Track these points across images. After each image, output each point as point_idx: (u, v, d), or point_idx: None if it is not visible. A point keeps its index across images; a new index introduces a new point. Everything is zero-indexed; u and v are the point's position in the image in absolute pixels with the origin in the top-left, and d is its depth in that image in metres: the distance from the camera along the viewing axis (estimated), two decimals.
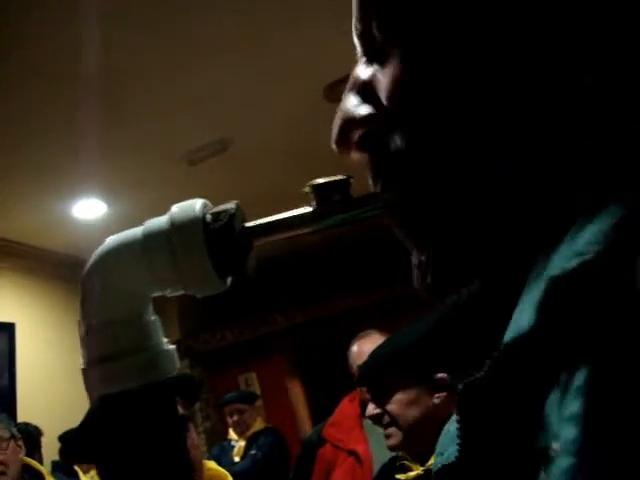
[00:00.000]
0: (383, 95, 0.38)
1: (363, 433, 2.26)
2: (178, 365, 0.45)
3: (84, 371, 0.43)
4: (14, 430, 2.53)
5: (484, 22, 0.34)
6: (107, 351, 0.42)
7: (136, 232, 0.43)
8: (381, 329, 3.97)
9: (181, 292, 0.44)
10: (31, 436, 2.80)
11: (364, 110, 0.40)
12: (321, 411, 2.75)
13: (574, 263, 0.26)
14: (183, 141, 3.35)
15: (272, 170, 3.87)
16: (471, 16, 0.34)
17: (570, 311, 0.26)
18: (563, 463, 0.24)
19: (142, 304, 0.44)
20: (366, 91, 0.41)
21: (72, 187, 3.51)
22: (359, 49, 0.43)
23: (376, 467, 2.14)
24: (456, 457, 0.33)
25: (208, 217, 0.42)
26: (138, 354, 0.42)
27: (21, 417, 3.53)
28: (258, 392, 5.77)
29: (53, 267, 4.34)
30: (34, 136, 2.92)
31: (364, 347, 2.36)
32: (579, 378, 0.25)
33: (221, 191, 3.89)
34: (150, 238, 0.42)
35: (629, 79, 0.31)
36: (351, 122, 0.41)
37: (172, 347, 0.45)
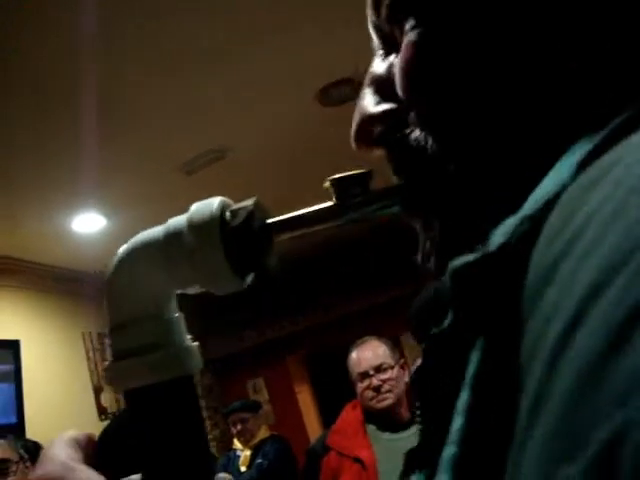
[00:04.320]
0: (397, 89, 0.38)
1: (367, 439, 2.27)
2: (201, 362, 0.46)
3: (109, 365, 0.44)
4: (22, 452, 2.56)
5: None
6: (132, 347, 0.43)
7: (158, 231, 0.44)
8: (390, 330, 3.98)
9: (202, 290, 0.44)
10: (30, 453, 2.82)
11: (381, 106, 0.41)
12: (331, 415, 2.75)
13: (473, 256, 0.26)
14: (180, 151, 3.35)
15: (270, 176, 3.88)
16: None
17: (469, 304, 0.27)
18: (447, 452, 0.26)
19: (164, 302, 0.45)
20: (382, 85, 0.41)
21: (71, 201, 3.52)
22: (375, 42, 0.43)
23: (381, 473, 2.15)
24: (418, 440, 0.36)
25: (227, 215, 0.42)
26: (162, 350, 0.43)
27: (30, 433, 3.54)
28: (267, 397, 5.78)
29: (54, 282, 4.35)
30: (32, 151, 2.93)
31: (362, 354, 2.37)
32: (470, 370, 0.26)
33: None
34: (169, 238, 0.43)
35: (613, 65, 0.32)
36: (369, 119, 0.41)
37: (195, 344, 0.46)
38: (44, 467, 0.42)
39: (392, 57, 0.41)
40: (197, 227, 0.42)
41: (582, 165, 0.25)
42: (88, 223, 3.82)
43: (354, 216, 0.42)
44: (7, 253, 3.91)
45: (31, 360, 3.87)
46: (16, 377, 3.74)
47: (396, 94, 0.39)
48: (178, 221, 0.43)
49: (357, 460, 2.20)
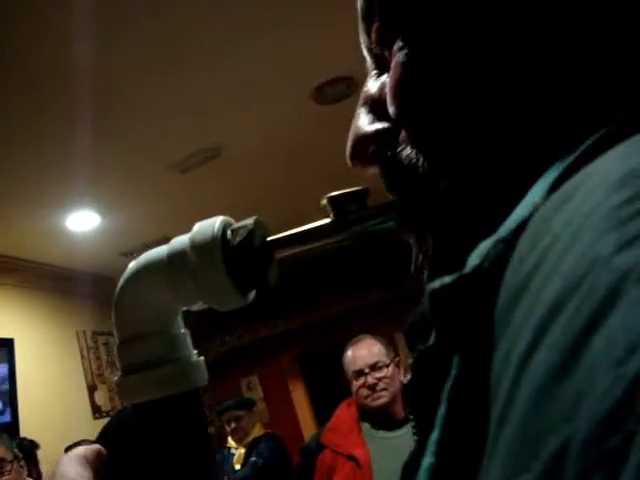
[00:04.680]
0: (388, 104, 0.39)
1: (361, 437, 2.27)
2: (207, 376, 0.47)
3: (119, 379, 0.45)
4: (16, 451, 2.56)
5: (476, 15, 0.35)
6: (139, 362, 0.44)
7: (162, 251, 0.45)
8: (384, 329, 3.98)
9: (206, 306, 0.46)
10: (26, 452, 2.82)
11: (374, 126, 0.42)
12: (324, 412, 2.75)
13: (450, 278, 0.27)
14: (174, 150, 3.35)
15: (264, 174, 3.87)
16: (462, 11, 0.36)
17: (443, 324, 0.29)
18: (425, 463, 0.27)
19: (170, 318, 0.47)
20: (375, 105, 0.43)
21: (64, 200, 3.51)
22: (369, 63, 0.45)
23: (375, 471, 2.15)
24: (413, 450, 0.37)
25: (228, 234, 0.44)
26: (169, 365, 0.44)
27: (24, 431, 3.53)
28: (261, 395, 5.78)
29: (49, 280, 4.34)
30: (26, 148, 2.92)
31: (358, 352, 2.37)
32: (447, 385, 0.28)
33: (213, 198, 3.89)
34: (173, 258, 0.44)
35: (613, 65, 0.32)
36: (362, 138, 0.43)
37: (201, 359, 0.48)
38: None
39: (384, 77, 0.42)
40: (199, 247, 0.43)
41: (552, 188, 0.26)
42: (83, 221, 3.81)
43: (352, 232, 0.44)
44: (1, 251, 3.90)
45: (25, 358, 3.87)
46: (10, 376, 3.73)
47: (388, 113, 0.40)
48: (181, 241, 0.44)
49: (351, 458, 2.20)
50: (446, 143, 0.37)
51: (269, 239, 0.44)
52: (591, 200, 0.21)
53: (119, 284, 0.46)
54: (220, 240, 0.43)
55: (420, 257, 0.41)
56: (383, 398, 2.27)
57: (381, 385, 2.28)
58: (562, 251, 0.20)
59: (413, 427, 0.36)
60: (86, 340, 4.57)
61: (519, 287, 0.22)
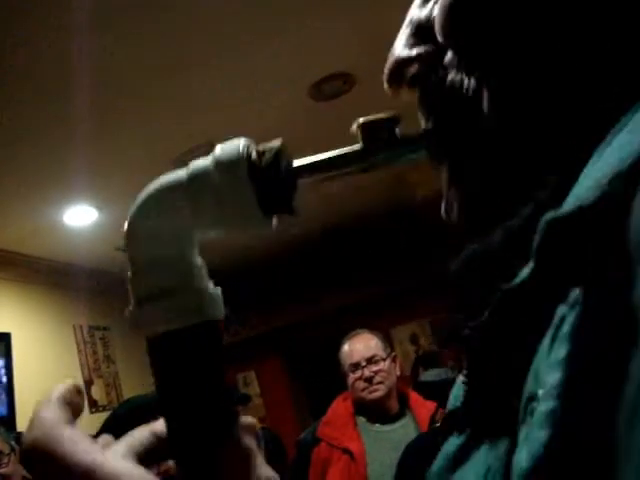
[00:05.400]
0: (437, 29, 0.39)
1: (356, 431, 2.29)
2: (223, 310, 0.44)
3: (130, 310, 0.42)
4: (13, 443, 2.56)
5: None
6: (153, 291, 0.41)
7: (181, 173, 0.43)
8: (380, 324, 3.99)
9: (224, 233, 0.43)
10: (21, 446, 2.83)
11: (416, 49, 0.42)
12: (320, 408, 2.77)
13: (569, 208, 0.26)
14: (172, 145, 3.35)
15: None
16: None
17: (562, 256, 0.26)
18: (544, 407, 0.25)
19: (186, 245, 0.44)
20: (419, 29, 0.42)
21: (62, 194, 3.51)
22: None
23: (370, 464, 2.17)
24: (462, 402, 0.35)
25: (253, 154, 0.41)
26: (183, 295, 0.41)
27: (20, 425, 3.54)
28: (257, 391, 5.79)
29: (46, 274, 4.34)
30: (23, 143, 2.92)
31: (354, 346, 2.38)
32: (567, 324, 0.25)
33: None
34: (194, 178, 0.42)
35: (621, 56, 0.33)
36: (402, 62, 0.42)
37: (218, 290, 0.44)
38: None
39: (431, 3, 0.42)
40: (224, 165, 0.41)
41: None
42: (80, 216, 3.82)
43: (380, 159, 0.42)
44: None
45: (22, 353, 3.87)
46: (7, 370, 3.74)
47: (432, 38, 0.40)
48: (202, 161, 0.42)
49: (346, 451, 2.22)
50: (499, 66, 0.36)
51: (295, 162, 0.42)
52: None
53: (133, 207, 0.43)
54: (246, 158, 0.41)
55: (452, 192, 0.40)
56: (379, 391, 2.29)
57: (377, 378, 2.29)
58: None
59: (466, 376, 0.33)
60: (83, 335, 4.57)
61: None
